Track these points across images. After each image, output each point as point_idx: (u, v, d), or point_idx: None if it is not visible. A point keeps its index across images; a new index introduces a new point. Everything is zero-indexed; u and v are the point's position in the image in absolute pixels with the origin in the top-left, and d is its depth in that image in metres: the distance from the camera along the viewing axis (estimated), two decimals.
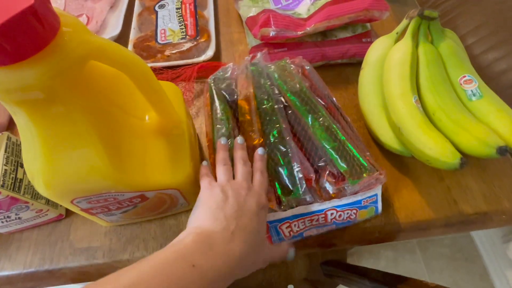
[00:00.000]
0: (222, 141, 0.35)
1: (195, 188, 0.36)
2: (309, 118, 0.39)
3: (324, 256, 0.68)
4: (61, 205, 0.38)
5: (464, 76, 0.39)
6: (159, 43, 0.51)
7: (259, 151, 0.35)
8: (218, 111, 0.40)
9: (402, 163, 0.42)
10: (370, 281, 0.51)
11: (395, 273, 0.51)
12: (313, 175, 0.34)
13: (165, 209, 0.36)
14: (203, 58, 0.50)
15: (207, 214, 0.28)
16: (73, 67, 0.21)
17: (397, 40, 0.42)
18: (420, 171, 0.42)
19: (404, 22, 0.41)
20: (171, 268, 0.22)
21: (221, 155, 0.33)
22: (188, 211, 0.40)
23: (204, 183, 0.31)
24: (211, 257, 0.24)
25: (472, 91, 0.38)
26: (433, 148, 0.33)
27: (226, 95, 0.42)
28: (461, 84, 0.39)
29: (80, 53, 0.21)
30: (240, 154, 0.33)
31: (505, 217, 0.39)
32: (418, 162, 0.41)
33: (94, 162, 0.26)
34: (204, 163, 0.34)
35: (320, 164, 0.34)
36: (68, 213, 0.39)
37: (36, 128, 0.22)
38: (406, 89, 0.37)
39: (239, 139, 0.35)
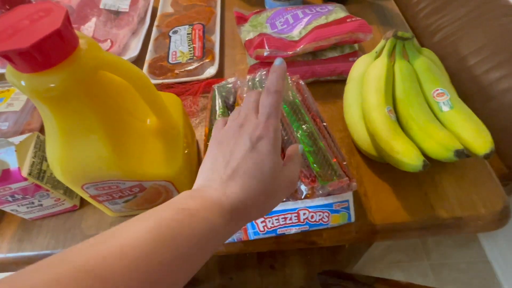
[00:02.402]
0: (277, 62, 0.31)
1: (189, 184, 0.42)
2: (295, 125, 0.43)
3: (322, 266, 0.70)
4: (75, 197, 0.45)
5: (437, 90, 0.42)
6: (170, 63, 0.59)
7: (276, 61, 0.30)
8: (217, 110, 0.46)
9: (383, 170, 0.45)
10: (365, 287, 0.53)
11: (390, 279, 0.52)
12: None
13: (162, 201, 0.41)
14: (206, 75, 0.57)
15: (202, 172, 0.28)
16: (87, 75, 0.28)
17: (376, 57, 0.46)
18: (399, 177, 0.44)
19: (382, 42, 0.46)
20: (160, 215, 0.21)
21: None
22: None
23: (216, 124, 0.32)
24: (203, 201, 0.23)
25: (443, 102, 0.41)
26: (400, 151, 0.37)
27: (227, 100, 0.48)
28: (434, 97, 0.42)
29: (92, 65, 0.28)
30: (253, 98, 0.30)
31: (481, 223, 0.41)
32: (398, 170, 0.44)
33: (101, 152, 0.32)
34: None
35: None
36: (81, 204, 0.46)
37: (56, 121, 0.28)
38: (380, 101, 0.41)
39: (277, 61, 0.30)
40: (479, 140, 0.36)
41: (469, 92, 0.88)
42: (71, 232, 0.44)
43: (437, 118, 0.41)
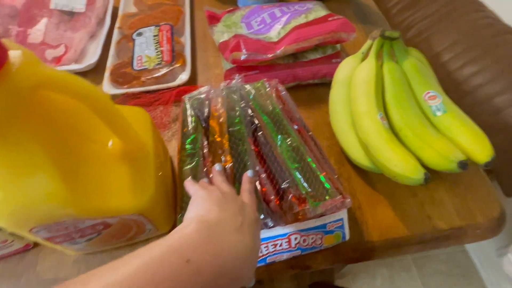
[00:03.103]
0: (217, 167, 0.34)
1: (163, 212, 0.36)
2: (279, 139, 0.39)
3: (312, 278, 0.67)
4: None
5: (428, 92, 0.40)
6: (135, 69, 0.52)
7: (249, 173, 0.34)
8: (189, 124, 0.40)
9: (375, 179, 0.42)
10: None
11: None
12: (273, 197, 0.33)
13: (133, 235, 0.35)
14: (177, 82, 0.51)
15: (211, 205, 0.26)
16: (22, 98, 0.22)
17: (363, 59, 0.43)
18: (393, 187, 0.41)
19: (368, 42, 0.43)
20: (162, 265, 0.20)
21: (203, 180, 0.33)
22: (159, 236, 0.39)
23: (198, 185, 0.30)
24: (214, 247, 0.22)
25: (436, 106, 0.39)
26: (398, 164, 0.34)
27: (200, 114, 0.42)
28: (425, 100, 0.40)
29: (29, 84, 0.21)
30: (220, 179, 0.32)
31: (479, 232, 0.39)
32: (390, 178, 0.42)
33: (50, 189, 0.25)
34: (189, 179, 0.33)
35: (284, 186, 0.34)
36: (36, 242, 0.39)
37: None
38: (371, 107, 0.38)
39: (217, 166, 0.34)
40: (479, 148, 0.33)
41: (445, 88, 0.88)
42: (25, 277, 0.37)
43: (431, 123, 0.38)
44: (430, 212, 0.39)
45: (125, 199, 0.30)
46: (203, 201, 0.27)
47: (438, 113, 0.38)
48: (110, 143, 0.31)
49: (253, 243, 0.25)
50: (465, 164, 0.32)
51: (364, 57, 0.43)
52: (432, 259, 1.15)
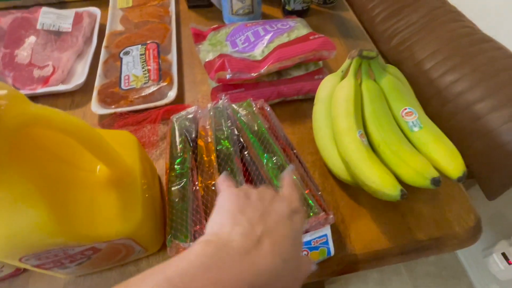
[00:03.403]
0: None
1: (151, 234, 0.37)
2: (265, 157, 0.40)
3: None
4: None
5: (405, 109, 0.42)
6: (123, 89, 0.53)
7: (289, 168, 0.35)
8: (178, 145, 0.41)
9: (358, 192, 0.44)
10: None
11: None
12: None
13: (122, 257, 0.36)
14: (165, 101, 0.52)
15: (225, 217, 0.23)
16: (9, 137, 0.22)
17: (343, 77, 0.45)
18: (375, 200, 0.43)
19: (347, 61, 0.44)
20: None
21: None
22: (149, 257, 0.40)
23: (223, 186, 0.28)
24: (215, 277, 0.19)
25: (413, 122, 0.41)
26: (376, 181, 0.35)
27: (187, 134, 0.43)
28: (402, 116, 0.41)
29: (15, 125, 0.22)
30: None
31: (457, 241, 0.41)
32: None
33: (38, 220, 0.26)
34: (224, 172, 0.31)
35: None
36: None
37: None
38: (351, 125, 0.40)
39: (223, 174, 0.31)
40: (452, 164, 0.35)
41: (427, 95, 0.91)
42: None
43: (408, 138, 0.40)
44: (410, 224, 0.41)
45: (113, 224, 0.31)
46: (218, 209, 0.25)
47: (415, 129, 0.40)
48: (98, 169, 0.32)
49: (278, 258, 0.21)
50: (438, 181, 0.33)
51: (344, 75, 0.45)
52: (421, 262, 1.17)
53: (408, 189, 0.44)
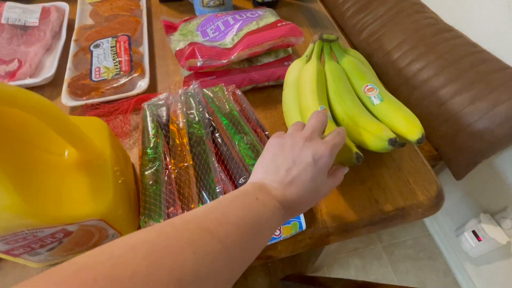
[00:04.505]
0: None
1: (125, 217, 0.37)
2: (237, 138, 0.41)
3: (284, 271, 0.69)
4: None
5: (367, 86, 0.44)
6: (94, 81, 0.53)
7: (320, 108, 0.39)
8: (150, 131, 0.42)
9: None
10: None
11: (350, 279, 0.53)
12: None
13: (96, 241, 0.36)
14: (136, 91, 0.52)
15: (262, 166, 0.31)
16: None
17: (307, 61, 0.47)
18: (344, 177, 0.45)
19: (310, 46, 0.46)
20: (242, 199, 0.27)
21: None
22: None
23: (275, 134, 0.35)
24: (269, 196, 0.28)
25: (374, 96, 0.43)
26: None
27: (159, 119, 0.44)
28: (365, 92, 0.44)
29: None
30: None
31: (421, 210, 0.43)
32: None
33: (4, 201, 0.26)
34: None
35: (240, 182, 0.37)
36: None
37: None
38: (314, 102, 0.41)
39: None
40: (411, 127, 0.38)
41: (396, 84, 0.95)
42: None
43: (371, 112, 0.42)
44: (377, 196, 0.43)
45: (83, 205, 0.31)
46: (261, 156, 0.32)
47: (376, 102, 0.42)
48: (66, 153, 0.32)
49: (303, 191, 0.29)
50: (395, 141, 0.36)
51: (308, 59, 0.47)
52: (400, 245, 1.22)
53: (375, 164, 0.47)
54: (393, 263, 1.17)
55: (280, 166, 0.30)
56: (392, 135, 0.36)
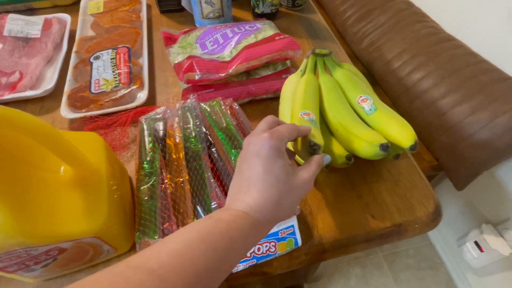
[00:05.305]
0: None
1: (120, 233, 0.37)
2: (233, 153, 0.41)
3: (283, 283, 0.69)
4: None
5: (361, 96, 0.44)
6: (93, 93, 0.53)
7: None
8: (147, 145, 0.42)
9: (324, 185, 0.46)
10: None
11: None
12: None
13: (91, 257, 0.36)
14: (135, 103, 0.53)
15: (229, 194, 0.31)
16: None
17: (302, 76, 0.47)
18: (340, 191, 0.45)
19: (305, 61, 0.47)
20: (193, 223, 0.26)
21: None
22: (119, 256, 0.40)
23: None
24: (228, 211, 0.28)
25: (368, 107, 0.43)
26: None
27: (156, 134, 0.44)
28: (359, 103, 0.44)
29: None
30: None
31: (418, 226, 0.43)
32: (339, 182, 0.45)
33: None
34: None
35: None
36: None
37: None
38: (296, 108, 0.41)
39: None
40: (403, 134, 0.38)
41: (397, 93, 0.95)
42: None
43: (365, 122, 0.42)
44: (373, 212, 0.43)
45: (78, 223, 0.31)
46: (231, 182, 0.32)
47: (370, 112, 0.42)
48: (62, 170, 0.32)
49: (268, 182, 0.28)
50: (386, 147, 0.36)
51: (303, 73, 0.47)
52: (401, 254, 1.21)
53: (372, 178, 0.46)
54: (394, 272, 1.16)
55: (238, 183, 0.30)
56: (384, 141, 0.36)
